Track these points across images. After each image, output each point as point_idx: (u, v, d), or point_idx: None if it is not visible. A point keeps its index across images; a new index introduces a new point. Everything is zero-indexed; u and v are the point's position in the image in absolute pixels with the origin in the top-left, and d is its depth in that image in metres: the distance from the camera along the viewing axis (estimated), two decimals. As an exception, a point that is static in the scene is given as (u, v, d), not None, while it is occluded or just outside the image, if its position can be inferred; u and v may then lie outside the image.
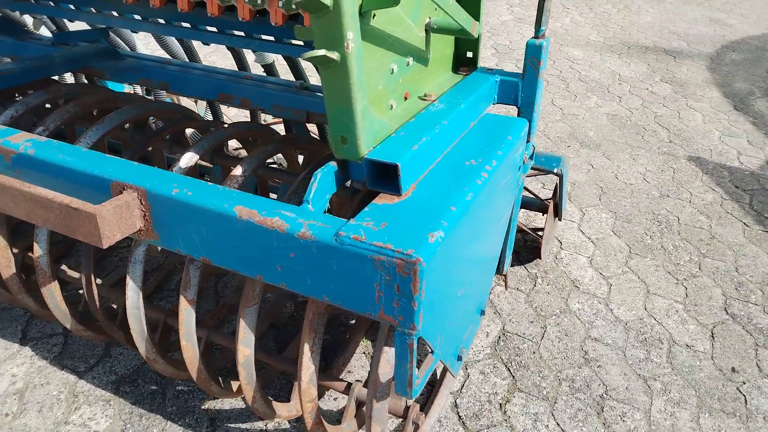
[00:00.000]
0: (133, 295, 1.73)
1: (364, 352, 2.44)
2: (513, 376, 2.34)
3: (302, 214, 1.32)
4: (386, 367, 1.41)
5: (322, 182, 1.41)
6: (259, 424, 2.11)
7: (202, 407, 2.17)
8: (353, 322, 2.57)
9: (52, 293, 1.96)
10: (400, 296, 1.23)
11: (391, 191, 1.42)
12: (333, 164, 1.44)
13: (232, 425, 2.10)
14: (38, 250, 1.88)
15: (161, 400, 2.19)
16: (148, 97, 3.10)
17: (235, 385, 2.01)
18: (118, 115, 2.01)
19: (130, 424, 2.10)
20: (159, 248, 1.81)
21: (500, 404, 2.22)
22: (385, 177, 1.41)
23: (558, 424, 2.14)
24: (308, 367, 1.52)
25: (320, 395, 2.14)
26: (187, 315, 1.66)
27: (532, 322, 2.61)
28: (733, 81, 5.40)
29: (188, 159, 1.79)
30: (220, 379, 1.92)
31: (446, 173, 1.52)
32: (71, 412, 2.14)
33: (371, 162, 1.39)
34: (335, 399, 2.23)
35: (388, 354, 1.41)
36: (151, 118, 2.62)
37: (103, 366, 2.34)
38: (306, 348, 1.50)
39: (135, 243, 1.73)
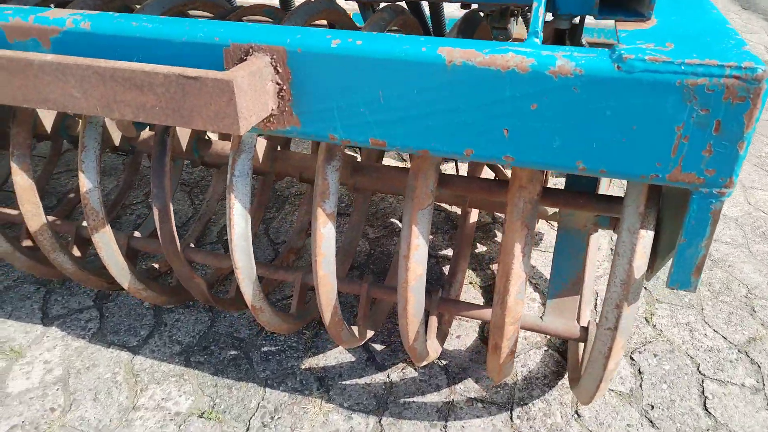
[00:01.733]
0: (241, 223, 1.29)
1: (470, 282, 2.08)
2: (645, 287, 2.04)
3: (541, 47, 0.92)
4: (642, 258, 1.05)
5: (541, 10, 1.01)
6: (380, 377, 1.73)
7: (302, 367, 1.76)
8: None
9: (107, 243, 1.48)
10: (719, 137, 0.86)
11: (633, 16, 1.04)
12: (545, -11, 1.04)
13: (348, 382, 1.71)
14: (86, 183, 1.39)
15: (248, 366, 1.77)
16: None
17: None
18: (160, 4, 1.51)
19: (220, 398, 1.67)
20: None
21: (646, 319, 1.92)
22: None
23: (716, 332, 1.87)
24: (518, 275, 1.14)
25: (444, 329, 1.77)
26: (326, 235, 1.24)
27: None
28: (732, -16, 5.26)
29: (286, 36, 1.34)
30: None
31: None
32: (137, 394, 1.69)
33: (613, -27, 0.99)
34: (458, 336, 1.87)
35: (646, 239, 1.05)
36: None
37: (160, 337, 1.88)
38: (517, 249, 1.12)
39: (236, 151, 1.28)
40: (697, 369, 1.74)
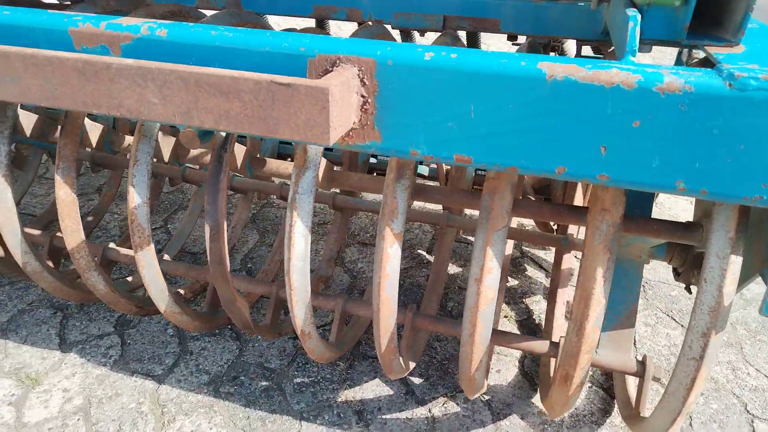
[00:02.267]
0: (301, 242, 1.24)
1: (505, 316, 2.04)
2: (682, 326, 2.01)
3: (644, 65, 0.91)
4: (732, 284, 1.03)
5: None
6: (421, 411, 1.65)
7: (339, 399, 1.68)
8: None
9: (150, 262, 1.42)
10: (832, 159, 0.85)
11: (721, 42, 1.04)
12: (635, 11, 1.04)
13: (388, 416, 1.63)
14: (135, 198, 1.34)
15: (281, 398, 1.69)
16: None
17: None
18: (219, 21, 1.50)
19: (253, 431, 1.58)
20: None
21: (687, 355, 1.88)
22: (714, 20, 1.04)
23: (759, 371, 1.83)
24: (599, 301, 1.10)
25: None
26: (392, 255, 1.19)
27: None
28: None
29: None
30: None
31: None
32: (165, 426, 1.59)
33: (707, -4, 1.00)
34: (498, 371, 1.81)
35: (736, 264, 1.03)
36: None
37: (186, 365, 1.79)
38: (599, 273, 1.09)
39: (302, 167, 1.24)
40: (745, 409, 1.69)
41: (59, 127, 1.37)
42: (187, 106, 0.99)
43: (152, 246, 1.40)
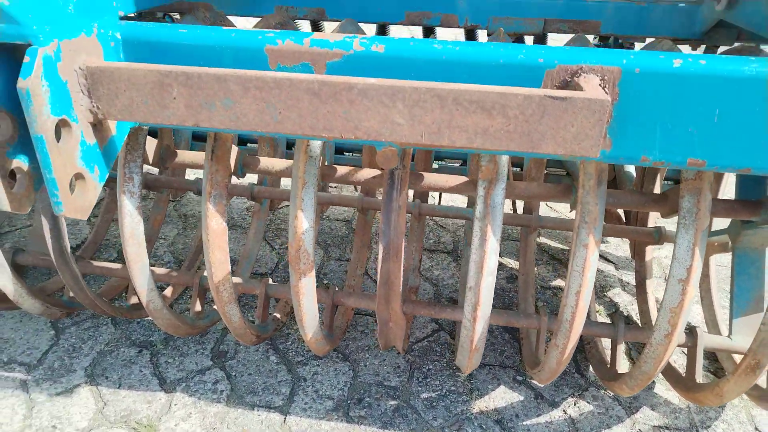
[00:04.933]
0: (492, 259, 1.22)
1: (596, 311, 2.08)
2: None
3: None
4: None
5: None
6: (557, 414, 1.67)
7: (473, 411, 1.67)
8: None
9: (310, 290, 1.34)
10: None
11: None
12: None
13: (529, 422, 1.63)
14: (304, 222, 1.26)
15: (416, 416, 1.65)
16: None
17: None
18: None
19: (402, 453, 1.54)
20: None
21: None
22: None
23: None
24: None
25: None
26: (592, 265, 1.20)
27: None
28: None
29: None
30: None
31: None
32: (308, 459, 1.52)
33: None
34: (613, 365, 1.85)
35: None
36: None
37: (305, 393, 1.71)
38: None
39: (491, 181, 1.21)
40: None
41: (210, 151, 1.27)
42: (438, 126, 0.96)
43: (314, 273, 1.33)
